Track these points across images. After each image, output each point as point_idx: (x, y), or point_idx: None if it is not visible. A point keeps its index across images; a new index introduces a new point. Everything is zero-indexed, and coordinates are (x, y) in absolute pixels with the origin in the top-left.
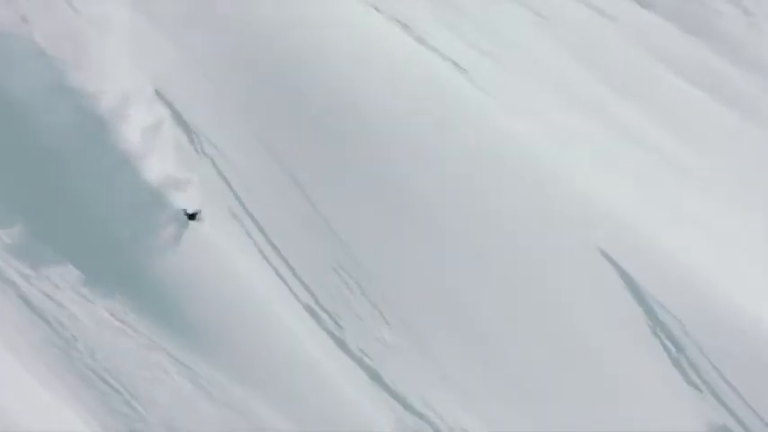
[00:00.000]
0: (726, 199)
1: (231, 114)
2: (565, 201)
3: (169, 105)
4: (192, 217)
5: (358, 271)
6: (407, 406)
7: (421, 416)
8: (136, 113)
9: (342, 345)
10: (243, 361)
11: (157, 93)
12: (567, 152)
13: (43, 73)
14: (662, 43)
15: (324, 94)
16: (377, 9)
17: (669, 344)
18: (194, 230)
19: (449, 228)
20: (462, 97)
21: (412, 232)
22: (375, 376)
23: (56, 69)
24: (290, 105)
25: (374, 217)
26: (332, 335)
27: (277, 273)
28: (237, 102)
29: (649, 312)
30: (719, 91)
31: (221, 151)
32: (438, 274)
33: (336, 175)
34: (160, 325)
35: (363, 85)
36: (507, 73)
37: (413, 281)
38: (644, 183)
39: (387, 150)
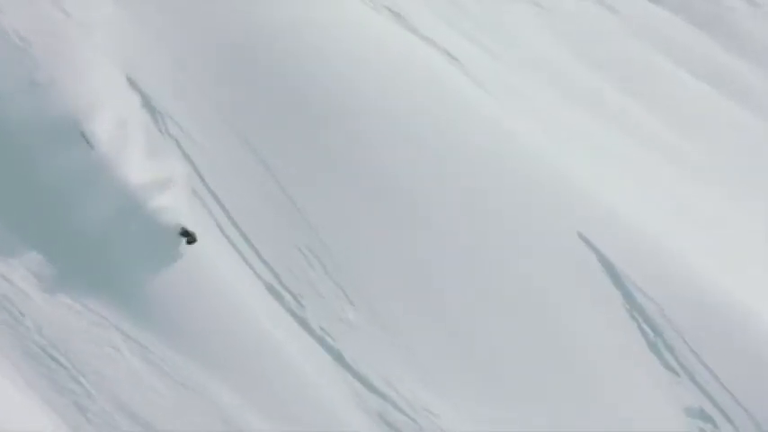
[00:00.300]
0: (723, 189)
1: (197, 95)
2: (543, 184)
3: (139, 91)
4: (188, 239)
5: (323, 251)
6: (369, 386)
7: (383, 396)
8: (109, 106)
9: (304, 324)
10: (199, 340)
11: (129, 80)
12: (551, 137)
13: (15, 67)
14: (667, 36)
15: (295, 76)
16: None
17: (647, 327)
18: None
19: (420, 209)
20: (447, 81)
21: (381, 213)
22: (337, 356)
23: (28, 63)
24: (258, 87)
25: (342, 197)
26: (294, 314)
27: (238, 251)
28: (205, 84)
29: (627, 296)
30: (725, 85)
31: (186, 132)
32: (407, 256)
33: (304, 155)
34: (114, 303)
35: (335, 63)
36: (505, 66)
37: (381, 262)
38: (636, 171)
39: (357, 130)
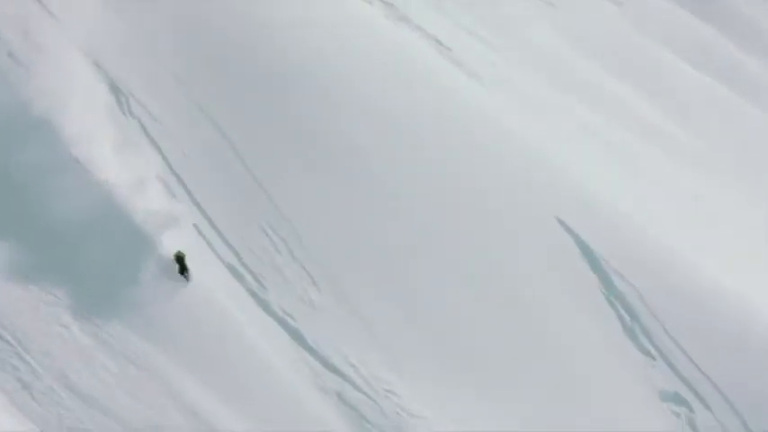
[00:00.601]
0: (719, 178)
1: (163, 76)
2: (523, 168)
3: (105, 75)
4: (181, 267)
5: (290, 233)
6: (329, 366)
7: (343, 375)
8: (76, 94)
9: (264, 305)
10: (154, 319)
11: (96, 65)
12: (537, 123)
13: None
14: (668, 27)
15: (267, 57)
16: None
17: (624, 312)
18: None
19: (392, 192)
20: (421, 59)
21: (351, 196)
22: (297, 337)
23: None
24: (228, 70)
25: (309, 179)
26: (255, 295)
27: (199, 232)
28: (173, 66)
29: (605, 281)
30: (727, 76)
31: (150, 112)
32: (378, 240)
33: (273, 137)
34: (66, 282)
35: (308, 41)
36: (500, 56)
37: (350, 245)
38: (630, 160)
39: (329, 111)
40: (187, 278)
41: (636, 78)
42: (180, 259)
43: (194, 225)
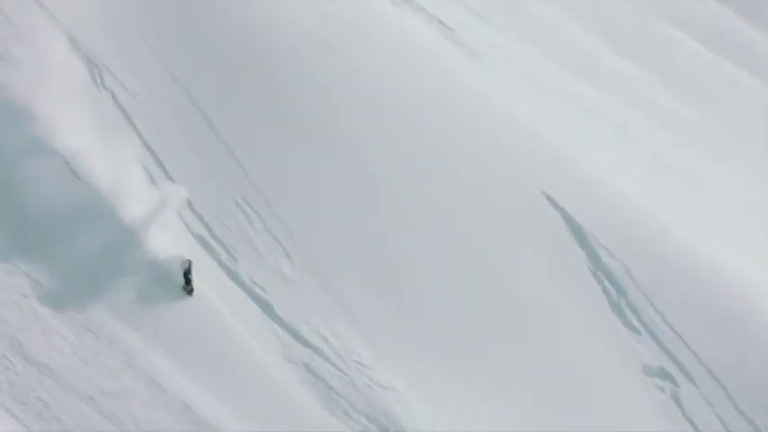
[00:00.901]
0: (716, 152)
1: (136, 48)
2: (512, 142)
3: (79, 48)
4: (187, 281)
5: (263, 205)
6: (299, 338)
7: (313, 348)
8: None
9: (234, 277)
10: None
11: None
12: (527, 96)
13: None
14: (680, 7)
15: (232, 26)
16: None
17: (610, 287)
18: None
19: (372, 165)
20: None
21: (329, 166)
22: (266, 308)
23: None
24: (202, 41)
25: (287, 151)
26: (224, 266)
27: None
28: (147, 37)
29: (592, 256)
30: (727, 48)
31: (122, 83)
32: (355, 213)
33: (248, 108)
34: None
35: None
36: (495, 28)
37: (325, 218)
38: (625, 134)
39: (305, 79)
40: (189, 292)
41: (646, 58)
42: (187, 272)
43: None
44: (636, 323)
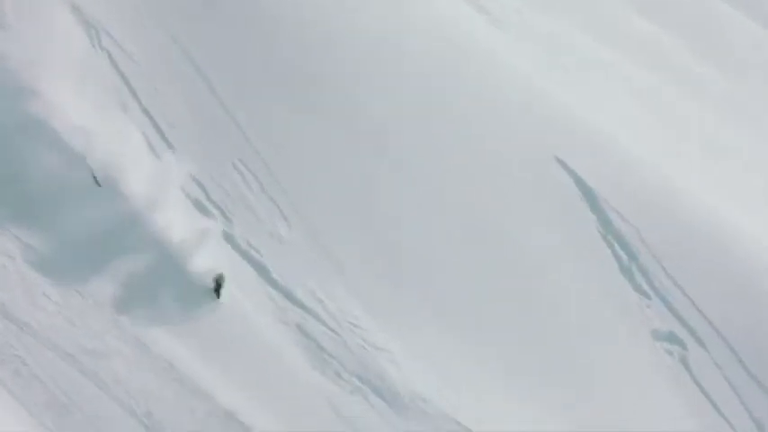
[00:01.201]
0: (743, 119)
1: (132, 8)
2: (523, 105)
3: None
4: (218, 288)
5: (261, 167)
6: (292, 299)
7: (306, 309)
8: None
9: (229, 239)
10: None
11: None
12: (541, 60)
13: None
14: None
15: None
16: None
17: (621, 251)
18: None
19: (376, 125)
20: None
21: (329, 131)
22: (261, 270)
23: None
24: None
25: (285, 113)
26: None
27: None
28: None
29: (603, 220)
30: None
31: (120, 44)
32: (357, 178)
33: (247, 67)
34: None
35: None
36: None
37: (326, 181)
38: (650, 100)
39: (304, 43)
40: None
41: (676, 23)
42: (218, 282)
43: (157, 156)
44: (646, 287)
